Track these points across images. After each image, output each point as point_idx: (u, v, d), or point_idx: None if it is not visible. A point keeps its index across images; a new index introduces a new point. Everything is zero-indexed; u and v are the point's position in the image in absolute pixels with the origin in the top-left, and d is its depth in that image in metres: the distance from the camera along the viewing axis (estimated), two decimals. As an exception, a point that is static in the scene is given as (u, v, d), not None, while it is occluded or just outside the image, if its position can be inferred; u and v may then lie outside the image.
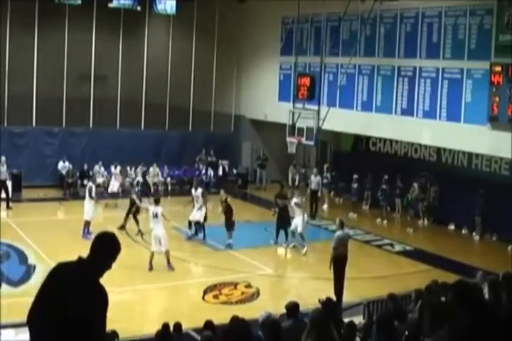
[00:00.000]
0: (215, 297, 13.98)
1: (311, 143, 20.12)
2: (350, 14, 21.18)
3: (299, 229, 17.25)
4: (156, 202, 15.85)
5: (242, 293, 14.31)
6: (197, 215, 18.07)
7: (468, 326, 3.93)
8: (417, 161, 23.10)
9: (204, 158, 26.34)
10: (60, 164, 24.06)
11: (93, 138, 24.92)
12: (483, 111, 16.90)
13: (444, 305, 5.85)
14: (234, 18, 26.77)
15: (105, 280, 3.81)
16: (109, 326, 3.98)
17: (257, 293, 14.31)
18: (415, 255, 17.85)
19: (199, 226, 18.18)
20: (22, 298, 12.98)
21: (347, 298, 13.54)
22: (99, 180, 24.11)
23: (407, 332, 6.53)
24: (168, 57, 26.77)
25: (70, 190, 23.85)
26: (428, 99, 19.16)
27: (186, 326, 9.66)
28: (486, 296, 5.49)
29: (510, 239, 18.44)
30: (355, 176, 22.56)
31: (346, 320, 8.49)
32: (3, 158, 21.38)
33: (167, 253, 15.32)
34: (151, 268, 15.19)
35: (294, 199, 17.82)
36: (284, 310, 7.61)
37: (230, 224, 17.42)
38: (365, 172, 22.56)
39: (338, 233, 14.08)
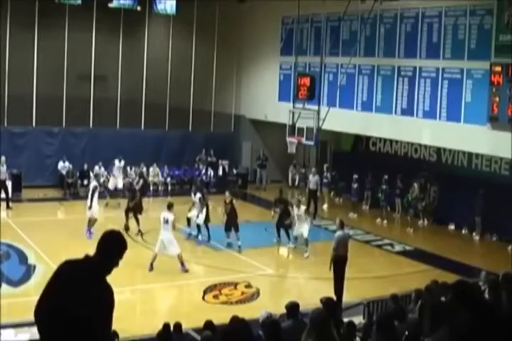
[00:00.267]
0: (215, 297, 13.98)
1: (311, 143, 20.12)
2: (350, 14, 21.19)
3: (305, 235, 17.10)
4: (169, 207, 15.77)
5: (242, 293, 14.31)
6: (198, 219, 18.16)
7: (469, 326, 3.92)
8: (417, 161, 23.11)
9: (204, 158, 26.34)
10: (60, 164, 24.06)
11: (93, 138, 24.92)
12: (483, 111, 16.89)
13: (444, 305, 5.85)
14: (234, 18, 26.77)
15: (105, 280, 3.81)
16: (110, 326, 3.98)
17: (257, 293, 14.31)
18: (415, 255, 17.85)
19: (199, 228, 18.25)
20: (22, 298, 13.01)
21: (347, 298, 13.54)
22: (99, 179, 24.13)
23: (407, 332, 6.53)
24: (168, 57, 26.77)
25: (70, 190, 23.84)
26: (428, 99, 19.16)
27: (186, 326, 9.66)
28: (486, 296, 5.50)
29: (510, 239, 18.45)
30: (355, 176, 22.56)
31: (346, 320, 8.48)
32: (3, 158, 21.38)
33: (179, 256, 15.32)
34: (151, 269, 15.20)
35: (302, 207, 17.71)
36: (284, 310, 7.61)
37: (236, 226, 17.39)
38: (365, 172, 22.57)
39: (339, 233, 14.08)
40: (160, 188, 25.43)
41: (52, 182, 24.21)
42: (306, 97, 19.94)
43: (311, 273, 15.97)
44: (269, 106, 25.45)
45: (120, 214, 18.98)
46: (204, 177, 25.30)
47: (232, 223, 17.41)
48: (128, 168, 24.21)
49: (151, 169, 25.02)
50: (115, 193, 22.88)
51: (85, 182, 23.96)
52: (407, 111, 19.85)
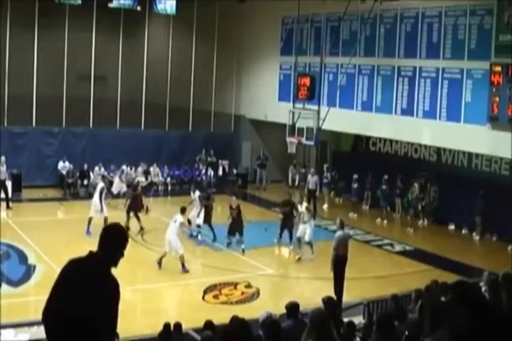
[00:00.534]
0: (215, 297, 13.98)
1: (311, 143, 20.11)
2: (350, 14, 21.19)
3: (307, 238, 16.86)
4: (182, 211, 16.00)
5: (242, 293, 14.32)
6: (197, 219, 18.24)
7: (469, 326, 3.92)
8: (417, 161, 23.11)
9: (204, 158, 26.36)
10: (60, 164, 24.06)
11: (93, 138, 24.92)
12: (483, 111, 16.89)
13: (444, 305, 5.84)
14: (234, 18, 26.77)
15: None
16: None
17: (257, 293, 14.32)
18: (415, 255, 17.85)
19: (199, 228, 18.28)
20: (22, 298, 13.04)
21: (347, 298, 13.54)
22: (99, 180, 24.11)
23: (407, 332, 6.53)
24: (168, 57, 26.77)
25: (70, 190, 23.84)
26: (428, 99, 19.16)
27: (186, 326, 9.66)
28: (486, 296, 5.49)
29: (510, 239, 18.45)
30: (355, 176, 22.56)
31: (346, 320, 8.48)
32: (3, 158, 21.38)
33: (181, 257, 15.38)
34: (159, 267, 15.42)
35: (305, 204, 17.71)
36: (284, 310, 7.61)
37: (241, 230, 17.34)
38: (365, 172, 22.57)
39: (339, 233, 14.08)
40: (160, 188, 25.43)
41: (52, 182, 24.21)
42: (306, 97, 19.94)
43: (311, 273, 15.97)
44: (269, 106, 25.45)
45: (121, 214, 18.97)
46: (204, 178, 25.37)
47: (236, 228, 17.34)
48: (128, 168, 24.24)
49: (151, 169, 25.04)
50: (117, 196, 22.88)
51: (85, 182, 24.01)
52: (407, 111, 19.85)
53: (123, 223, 18.24)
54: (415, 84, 19.55)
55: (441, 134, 18.89)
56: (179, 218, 15.76)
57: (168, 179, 25.82)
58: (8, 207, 20.95)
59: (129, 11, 25.15)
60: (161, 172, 25.58)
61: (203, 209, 18.14)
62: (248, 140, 27.98)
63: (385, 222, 21.42)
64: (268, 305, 12.62)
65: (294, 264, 16.83)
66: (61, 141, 24.59)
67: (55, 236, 17.71)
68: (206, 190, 19.49)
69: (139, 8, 25.08)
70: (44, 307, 3.76)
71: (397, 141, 23.50)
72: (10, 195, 21.58)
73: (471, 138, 17.68)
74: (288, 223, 17.71)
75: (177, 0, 25.57)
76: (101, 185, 18.79)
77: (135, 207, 18.65)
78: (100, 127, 25.18)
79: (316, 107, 19.64)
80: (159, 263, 15.42)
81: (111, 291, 3.73)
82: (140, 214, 18.64)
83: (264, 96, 26.10)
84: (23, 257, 15.98)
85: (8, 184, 21.88)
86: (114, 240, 3.87)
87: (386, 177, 21.57)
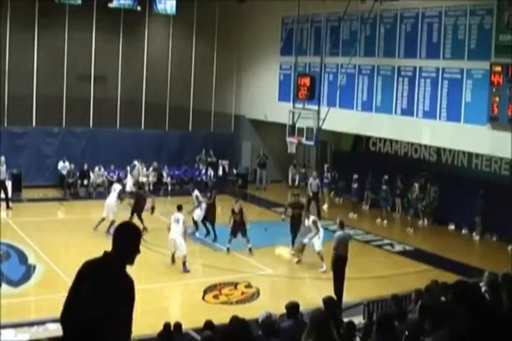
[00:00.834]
0: (215, 297, 13.98)
1: (311, 143, 20.11)
2: (350, 14, 21.19)
3: (317, 249, 16.10)
4: (179, 209, 16.04)
5: (242, 293, 14.32)
6: (195, 216, 18.33)
7: (468, 326, 3.92)
8: (417, 161, 23.11)
9: (204, 158, 26.36)
10: (60, 164, 24.06)
11: (93, 138, 24.92)
12: (483, 111, 16.89)
13: (444, 305, 5.84)
14: (234, 18, 26.77)
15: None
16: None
17: (257, 293, 14.31)
18: (415, 255, 17.85)
19: (196, 225, 18.40)
20: (22, 298, 13.04)
21: (347, 298, 13.53)
22: (99, 180, 24.16)
23: (407, 332, 6.53)
24: (168, 57, 26.78)
25: (70, 190, 23.84)
26: (428, 99, 19.16)
27: (186, 326, 9.66)
28: (486, 296, 5.49)
29: (510, 239, 18.44)
30: (355, 176, 22.56)
31: (346, 320, 8.48)
32: (3, 158, 21.37)
33: (184, 257, 15.48)
34: (172, 262, 15.70)
35: (312, 218, 16.79)
36: (284, 310, 7.61)
37: (244, 231, 17.29)
38: (365, 172, 22.57)
39: (339, 233, 14.08)
40: (160, 188, 25.40)
41: (52, 182, 24.21)
42: (306, 97, 19.93)
43: (311, 273, 15.97)
44: (269, 106, 25.45)
45: (125, 215, 18.94)
46: (204, 178, 25.38)
47: (239, 229, 17.26)
48: (128, 168, 24.27)
49: (151, 169, 25.04)
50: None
51: (85, 182, 24.03)
52: (407, 111, 19.85)
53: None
54: (415, 84, 19.55)
55: (441, 134, 18.89)
56: (180, 216, 15.78)
57: (168, 179, 25.83)
58: (8, 207, 20.94)
59: (129, 11, 25.15)
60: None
61: (207, 209, 18.19)
62: (248, 140, 27.98)
63: (385, 222, 21.41)
64: (268, 305, 12.61)
65: (294, 264, 16.82)
66: (61, 141, 24.59)
67: (55, 236, 17.71)
68: (210, 190, 19.46)
69: (139, 8, 25.07)
70: (62, 308, 3.81)
71: (397, 141, 23.50)
72: (10, 195, 21.57)
73: (471, 138, 17.68)
74: (298, 226, 17.42)
75: (177, 0, 25.57)
76: (119, 187, 18.79)
77: (138, 207, 18.65)
78: (100, 127, 25.18)
79: (316, 107, 19.63)
80: (173, 260, 15.66)
81: (126, 290, 3.84)
82: (144, 214, 18.63)
83: (264, 96, 26.10)
84: (23, 257, 15.97)
85: (8, 184, 21.88)
86: (127, 238, 3.92)
87: (386, 177, 21.56)
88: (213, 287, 14.45)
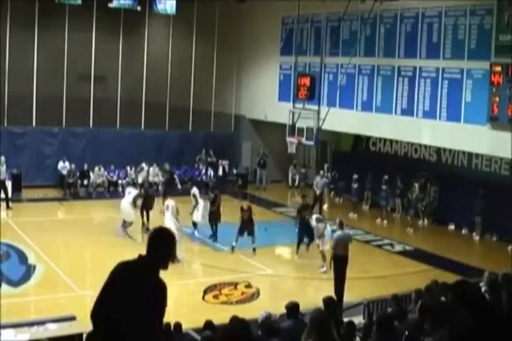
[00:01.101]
0: (215, 297, 13.98)
1: (311, 143, 20.12)
2: (350, 14, 21.19)
3: (320, 247, 16.06)
4: (165, 195, 16.66)
5: (242, 293, 14.31)
6: (194, 216, 18.34)
7: (468, 326, 3.92)
8: (417, 161, 23.11)
9: (204, 158, 26.35)
10: (60, 164, 24.05)
11: (93, 138, 24.92)
12: (483, 111, 16.89)
13: (444, 305, 5.84)
14: (234, 18, 26.77)
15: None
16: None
17: (257, 293, 14.31)
18: (415, 255, 17.85)
19: (194, 225, 18.40)
20: (22, 298, 13.04)
21: (347, 298, 13.53)
22: (99, 180, 24.17)
23: (407, 332, 6.53)
24: (168, 57, 26.77)
25: (70, 190, 23.83)
26: (428, 99, 19.16)
27: (186, 326, 9.66)
28: (486, 296, 5.49)
29: (510, 239, 18.45)
30: (355, 176, 22.56)
31: (346, 320, 8.48)
32: (3, 158, 21.36)
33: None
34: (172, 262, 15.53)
35: (314, 216, 16.70)
36: (284, 310, 7.61)
37: (252, 231, 17.25)
38: (365, 172, 22.57)
39: (338, 233, 14.09)
40: (160, 188, 25.37)
41: (52, 182, 24.20)
42: (306, 97, 19.94)
43: (311, 273, 15.96)
44: (269, 106, 25.45)
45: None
46: (204, 178, 25.36)
47: (246, 228, 17.23)
48: (128, 168, 24.27)
49: (151, 169, 25.02)
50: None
51: (85, 182, 24.02)
52: (407, 111, 19.85)
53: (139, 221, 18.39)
54: (415, 84, 19.55)
55: (441, 134, 18.89)
56: (170, 202, 16.01)
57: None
58: (8, 207, 20.94)
59: (129, 11, 25.15)
60: (160, 172, 25.54)
61: (211, 210, 18.21)
62: (248, 140, 27.98)
63: (385, 222, 21.41)
64: (268, 305, 12.60)
65: (294, 264, 16.82)
66: (61, 141, 24.58)
67: (55, 236, 17.69)
68: (212, 191, 19.43)
69: (139, 8, 25.07)
70: (93, 307, 3.85)
71: (397, 141, 23.50)
72: (10, 194, 21.57)
73: (471, 138, 17.68)
74: (306, 227, 17.18)
75: (177, 0, 25.57)
76: (134, 192, 18.77)
77: (147, 206, 18.76)
78: (100, 127, 25.18)
79: (316, 107, 19.64)
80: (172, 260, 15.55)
81: (159, 294, 3.88)
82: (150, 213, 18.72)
83: (264, 96, 26.10)
84: (23, 257, 15.96)
85: (8, 184, 21.87)
86: (162, 244, 4.02)
87: (386, 177, 21.56)
88: (213, 287, 14.44)
